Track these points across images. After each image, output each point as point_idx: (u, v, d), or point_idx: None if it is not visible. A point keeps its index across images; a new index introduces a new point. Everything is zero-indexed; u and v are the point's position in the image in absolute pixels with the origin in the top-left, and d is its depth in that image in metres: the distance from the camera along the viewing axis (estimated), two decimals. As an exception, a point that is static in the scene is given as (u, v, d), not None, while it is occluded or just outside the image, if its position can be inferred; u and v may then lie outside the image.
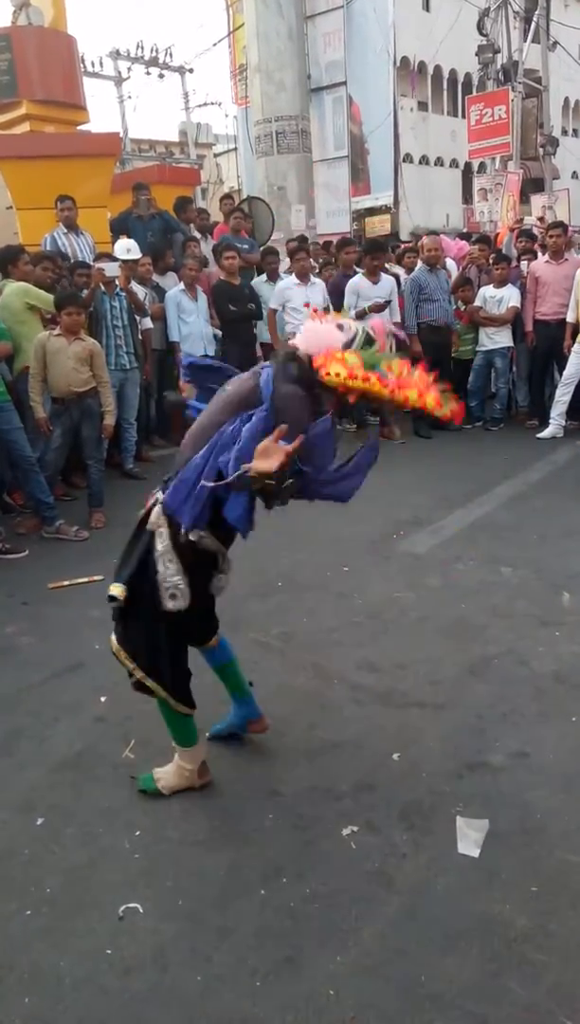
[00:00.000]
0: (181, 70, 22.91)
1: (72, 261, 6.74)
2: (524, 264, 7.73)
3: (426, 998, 1.77)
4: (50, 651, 3.54)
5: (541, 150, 17.68)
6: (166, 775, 2.50)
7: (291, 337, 6.62)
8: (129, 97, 24.48)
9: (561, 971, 1.82)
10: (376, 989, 1.80)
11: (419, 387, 2.12)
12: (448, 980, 1.81)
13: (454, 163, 23.46)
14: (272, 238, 9.90)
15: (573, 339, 6.79)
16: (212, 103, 32.56)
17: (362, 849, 2.23)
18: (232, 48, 18.75)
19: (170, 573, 2.18)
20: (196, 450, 2.13)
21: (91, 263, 6.33)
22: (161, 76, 22.55)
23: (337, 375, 2.02)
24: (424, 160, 22.67)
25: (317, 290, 7.24)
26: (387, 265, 7.61)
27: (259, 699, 2.92)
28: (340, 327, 2.14)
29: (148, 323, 6.77)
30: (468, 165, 20.99)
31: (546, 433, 7.03)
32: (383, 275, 7.07)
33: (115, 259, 6.24)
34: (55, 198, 7.21)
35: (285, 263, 7.76)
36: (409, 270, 7.91)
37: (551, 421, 7.05)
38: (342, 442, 2.35)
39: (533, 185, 16.60)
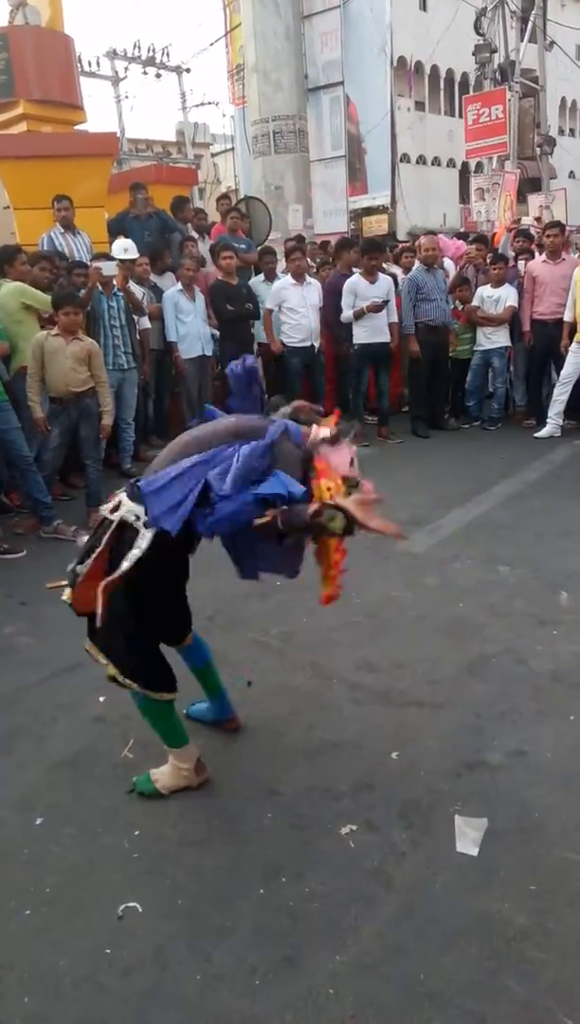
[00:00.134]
0: (178, 70, 22.95)
1: (70, 261, 6.74)
2: (521, 264, 7.74)
3: (425, 996, 1.77)
4: (48, 651, 3.54)
5: (538, 150, 17.70)
6: (163, 776, 2.50)
7: (284, 339, 6.53)
8: (126, 97, 24.58)
9: (559, 969, 1.82)
10: (375, 987, 1.80)
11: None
12: (447, 978, 1.81)
13: (451, 163, 23.48)
14: (269, 238, 9.90)
15: (570, 338, 6.81)
16: (209, 103, 32.70)
17: (361, 848, 2.23)
18: (229, 48, 18.74)
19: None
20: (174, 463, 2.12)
21: (88, 263, 6.33)
22: (158, 76, 22.60)
23: (326, 488, 2.11)
24: (421, 160, 22.68)
25: (313, 290, 7.25)
26: (384, 265, 7.62)
27: (258, 698, 2.93)
28: (351, 463, 2.25)
29: (146, 323, 6.76)
30: (465, 165, 21.03)
31: (543, 432, 7.04)
32: (381, 275, 7.07)
33: (112, 258, 6.24)
34: (52, 198, 7.21)
35: (283, 263, 7.76)
36: (406, 270, 7.92)
37: (548, 420, 7.06)
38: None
39: (530, 185, 16.61)
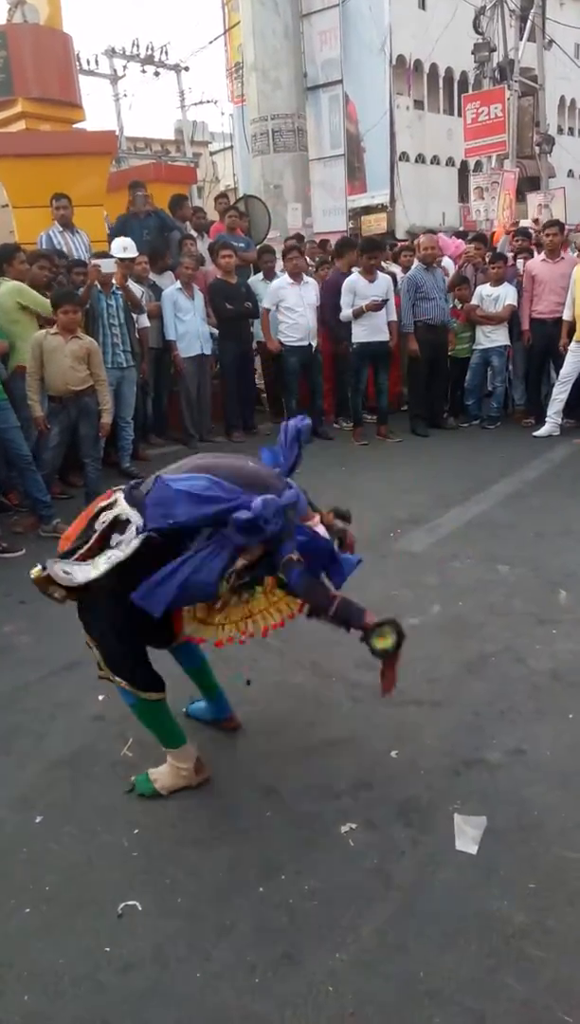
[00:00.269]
0: (177, 68, 22.94)
1: (69, 260, 6.73)
2: (520, 262, 7.74)
3: (425, 994, 1.78)
4: (47, 649, 3.54)
5: (537, 148, 17.71)
6: (162, 776, 2.50)
7: (282, 338, 6.51)
8: (125, 95, 24.52)
9: (559, 967, 1.83)
10: (375, 985, 1.81)
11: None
12: (447, 976, 1.82)
13: (450, 161, 23.47)
14: (269, 236, 9.89)
15: (569, 337, 6.81)
16: (208, 101, 32.67)
17: (360, 846, 2.23)
18: (228, 46, 18.73)
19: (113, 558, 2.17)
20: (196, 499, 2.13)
21: (88, 261, 6.33)
22: (157, 74, 22.59)
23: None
24: (420, 158, 22.68)
25: (310, 289, 7.24)
26: (383, 264, 7.62)
27: (258, 697, 2.93)
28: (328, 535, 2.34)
29: (145, 321, 6.76)
30: (464, 164, 21.03)
31: (543, 431, 7.04)
32: (380, 274, 7.07)
33: (111, 257, 6.24)
34: (50, 196, 7.20)
35: (282, 262, 7.76)
36: (405, 269, 7.92)
37: (547, 419, 7.07)
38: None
39: (529, 183, 16.61)
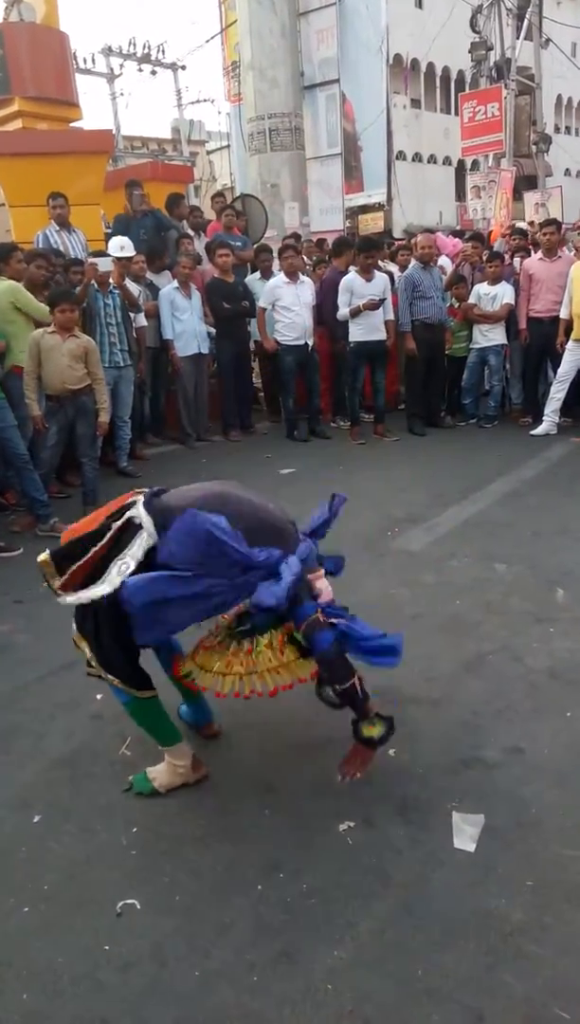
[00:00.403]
0: (173, 67, 22.93)
1: (66, 258, 6.73)
2: (517, 261, 7.75)
3: (423, 992, 1.78)
4: (45, 649, 3.53)
5: (534, 147, 17.71)
6: (160, 774, 2.50)
7: (278, 337, 6.54)
8: (121, 94, 24.54)
9: (557, 964, 1.83)
10: (373, 983, 1.81)
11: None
12: (445, 974, 1.82)
13: (447, 160, 23.50)
14: (266, 235, 9.89)
15: (567, 336, 6.82)
16: (205, 100, 32.63)
17: (359, 844, 2.24)
18: (224, 45, 18.69)
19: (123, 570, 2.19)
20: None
21: (85, 260, 6.32)
22: (153, 73, 22.58)
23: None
24: (417, 157, 22.71)
25: (306, 288, 7.25)
26: (381, 263, 7.62)
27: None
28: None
29: (142, 320, 6.76)
30: (461, 162, 21.04)
31: (540, 430, 7.06)
32: (377, 273, 7.07)
33: (108, 256, 6.24)
34: (47, 195, 7.20)
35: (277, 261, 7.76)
36: (403, 267, 7.93)
37: (545, 418, 7.08)
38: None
39: (526, 182, 16.61)
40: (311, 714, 2.89)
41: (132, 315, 6.44)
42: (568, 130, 27.87)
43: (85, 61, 20.83)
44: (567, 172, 25.46)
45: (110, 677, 2.33)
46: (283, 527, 2.31)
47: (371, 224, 16.67)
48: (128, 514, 2.28)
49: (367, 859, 2.18)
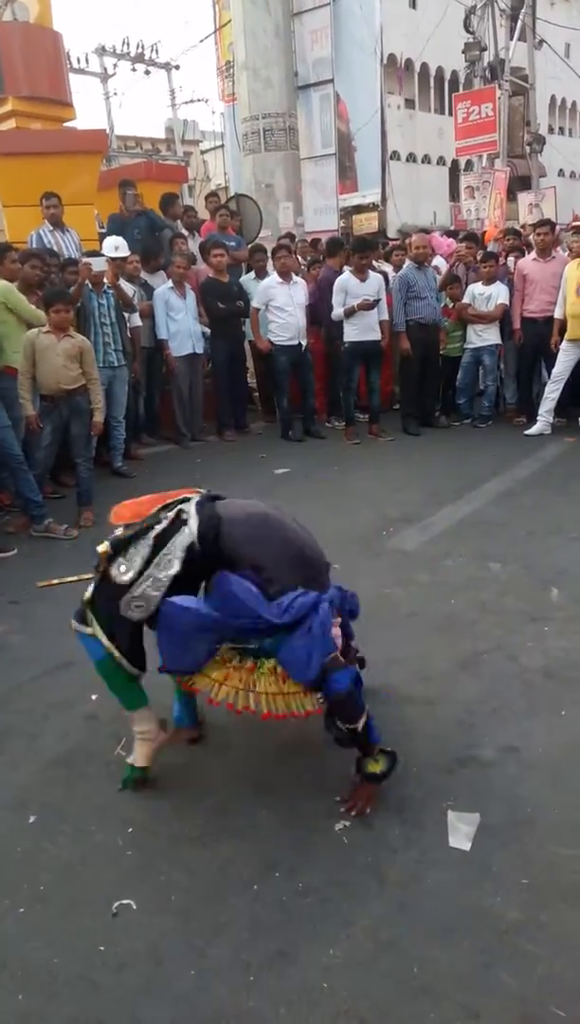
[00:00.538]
0: (167, 67, 22.87)
1: (62, 259, 6.71)
2: (511, 261, 7.76)
3: (419, 990, 1.78)
4: (40, 649, 3.53)
5: (528, 148, 17.75)
6: (134, 751, 2.53)
7: (272, 337, 6.61)
8: (115, 94, 24.45)
9: (552, 962, 1.84)
10: (369, 982, 1.81)
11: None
12: (440, 972, 1.83)
13: (441, 160, 23.52)
14: (260, 235, 9.89)
15: (561, 336, 6.83)
16: (199, 100, 32.55)
17: (354, 843, 2.24)
18: (218, 45, 18.67)
19: (157, 581, 2.25)
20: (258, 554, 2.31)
21: (80, 260, 6.31)
22: (147, 73, 22.52)
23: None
24: (411, 158, 22.73)
25: (299, 288, 7.25)
26: (375, 263, 7.63)
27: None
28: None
29: (137, 320, 6.76)
30: (455, 163, 21.07)
31: (534, 430, 7.07)
32: (371, 273, 7.08)
33: (102, 255, 6.23)
34: (41, 195, 7.18)
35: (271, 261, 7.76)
36: (397, 267, 7.93)
37: (539, 418, 7.09)
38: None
39: (520, 183, 16.66)
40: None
41: (127, 315, 6.43)
42: (562, 131, 27.93)
43: (79, 61, 20.75)
44: (561, 173, 25.53)
45: (108, 644, 2.34)
46: (318, 562, 2.43)
47: (365, 224, 16.66)
48: (180, 507, 2.38)
49: (363, 858, 2.18)
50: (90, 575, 4.14)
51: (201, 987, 1.82)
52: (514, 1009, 1.73)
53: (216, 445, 7.33)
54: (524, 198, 13.21)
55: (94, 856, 2.25)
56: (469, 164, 17.63)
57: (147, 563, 2.28)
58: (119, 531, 2.41)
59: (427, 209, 21.65)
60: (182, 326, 7.05)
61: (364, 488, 5.72)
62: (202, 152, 31.78)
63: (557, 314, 6.88)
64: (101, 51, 21.80)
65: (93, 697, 3.07)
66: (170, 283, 7.05)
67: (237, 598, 2.21)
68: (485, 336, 7.45)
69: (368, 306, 6.81)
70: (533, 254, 7.38)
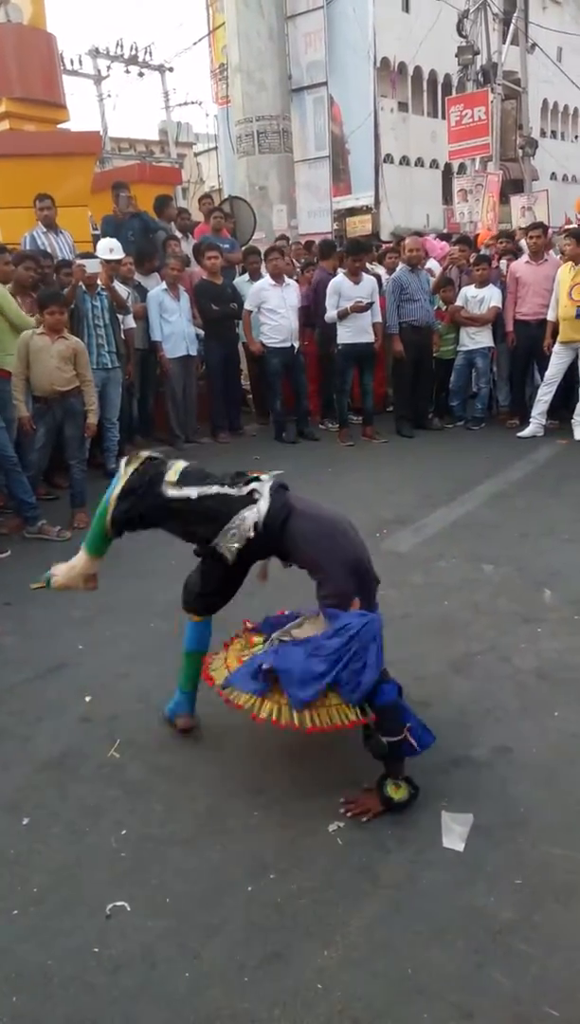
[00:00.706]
0: (161, 69, 22.90)
1: (56, 260, 6.70)
2: (504, 264, 7.79)
3: (413, 990, 1.79)
4: (33, 651, 3.53)
5: (520, 151, 17.81)
6: (60, 570, 2.67)
7: (264, 340, 6.62)
8: (109, 96, 24.41)
9: (545, 961, 1.84)
10: (363, 982, 1.81)
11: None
12: (434, 972, 1.83)
13: (434, 164, 23.59)
14: (254, 238, 9.90)
15: (553, 338, 6.85)
16: (192, 102, 32.60)
17: (348, 845, 2.24)
18: (212, 47, 18.70)
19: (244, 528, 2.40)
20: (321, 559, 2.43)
21: (74, 262, 6.30)
22: (141, 75, 22.54)
23: None
24: (404, 161, 22.79)
25: (292, 291, 7.26)
26: (368, 265, 7.64)
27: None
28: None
29: (130, 322, 6.75)
30: (448, 166, 21.12)
31: (527, 432, 7.09)
32: (365, 275, 7.09)
33: (95, 257, 6.23)
34: (34, 197, 7.17)
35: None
36: (390, 270, 7.95)
37: (532, 420, 7.11)
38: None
39: (513, 186, 16.71)
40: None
41: (120, 317, 6.42)
42: (554, 134, 28.05)
43: (72, 62, 20.77)
44: (553, 176, 25.63)
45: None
46: (370, 575, 2.54)
47: (359, 226, 16.71)
48: (253, 486, 2.47)
49: (356, 859, 2.18)
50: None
51: (195, 988, 1.82)
52: (507, 1009, 1.74)
53: (210, 447, 7.33)
54: (517, 201, 13.25)
55: (88, 858, 2.25)
56: (462, 167, 17.70)
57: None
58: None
59: (420, 212, 21.71)
60: (176, 328, 7.04)
61: (358, 490, 5.72)
62: (196, 154, 31.79)
63: (550, 316, 6.91)
64: (95, 53, 21.82)
65: (86, 699, 3.07)
66: (164, 285, 7.04)
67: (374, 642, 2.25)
68: (478, 339, 7.47)
69: (361, 308, 6.83)
70: (526, 257, 7.41)
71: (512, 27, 16.86)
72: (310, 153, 15.38)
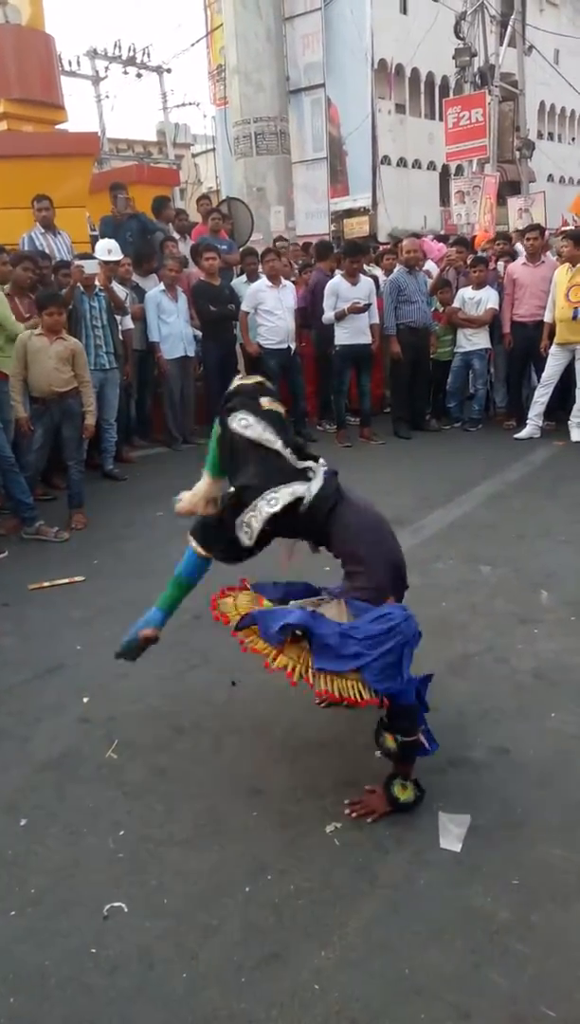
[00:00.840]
0: (159, 70, 22.93)
1: (55, 261, 6.70)
2: (501, 265, 7.80)
3: (411, 991, 1.79)
4: (31, 652, 3.52)
5: (518, 153, 17.86)
6: (184, 494, 2.77)
7: (261, 341, 6.64)
8: (107, 96, 24.49)
9: (542, 962, 1.85)
10: (361, 983, 1.82)
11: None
12: (432, 972, 1.83)
13: (431, 165, 23.66)
14: (251, 239, 9.91)
15: (550, 340, 6.87)
16: (190, 103, 32.65)
17: (346, 845, 2.24)
18: (210, 49, 18.71)
19: (261, 514, 2.35)
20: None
21: (72, 263, 6.31)
22: (139, 76, 22.58)
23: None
24: (402, 162, 22.85)
25: (288, 292, 7.27)
26: (366, 267, 7.66)
27: (242, 697, 2.93)
28: None
29: (128, 323, 6.75)
30: (445, 167, 21.17)
31: (523, 434, 7.10)
32: (362, 276, 7.10)
33: (93, 258, 6.23)
34: (32, 198, 7.18)
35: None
36: (387, 272, 7.96)
37: (528, 422, 7.13)
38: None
39: (510, 188, 16.76)
40: (297, 716, 2.90)
41: (118, 318, 6.43)
42: (551, 136, 28.15)
43: (70, 63, 20.82)
44: (550, 178, 25.70)
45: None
46: (403, 578, 2.52)
47: (356, 228, 16.72)
48: (310, 463, 2.46)
49: (354, 860, 2.19)
50: (80, 577, 4.20)
51: (193, 989, 1.82)
52: (505, 1009, 1.74)
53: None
54: (514, 203, 13.29)
55: (85, 859, 2.25)
56: (459, 169, 17.71)
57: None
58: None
59: (417, 213, 21.76)
60: (174, 329, 7.05)
61: (355, 491, 5.72)
62: (193, 155, 31.84)
63: (546, 318, 6.92)
64: (93, 54, 21.85)
65: (85, 700, 3.07)
66: (162, 286, 7.05)
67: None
68: (475, 340, 7.49)
69: (359, 309, 6.84)
70: (522, 259, 7.42)
71: (509, 29, 16.91)
72: (308, 154, 15.39)
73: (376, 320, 7.14)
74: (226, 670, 3.19)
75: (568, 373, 6.84)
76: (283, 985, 1.82)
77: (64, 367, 5.09)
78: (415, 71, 22.91)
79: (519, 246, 8.07)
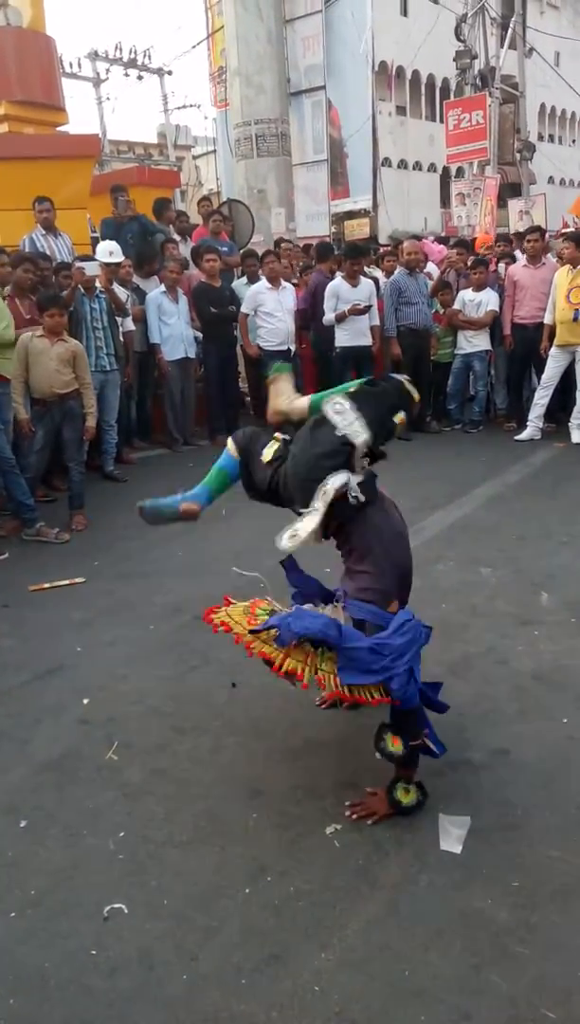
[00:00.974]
0: (160, 72, 22.97)
1: (56, 263, 6.71)
2: (501, 267, 7.81)
3: (410, 993, 1.79)
4: (31, 653, 3.52)
5: (518, 155, 17.88)
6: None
7: (261, 343, 6.63)
8: (108, 98, 24.53)
9: (542, 963, 1.85)
10: (361, 984, 1.82)
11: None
12: (432, 974, 1.83)
13: (432, 167, 23.67)
14: (252, 240, 9.92)
15: (550, 342, 6.87)
16: (191, 105, 32.72)
17: (346, 847, 2.24)
18: (211, 51, 18.75)
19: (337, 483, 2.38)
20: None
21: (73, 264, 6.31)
22: (140, 78, 22.62)
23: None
24: (402, 164, 22.87)
25: (288, 294, 7.28)
26: (367, 268, 7.66)
27: (243, 698, 2.93)
28: None
29: (129, 325, 6.75)
30: (446, 169, 21.19)
31: (524, 435, 7.11)
32: (363, 278, 7.11)
33: (94, 260, 6.23)
34: (33, 199, 7.18)
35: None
36: (388, 273, 7.97)
37: (529, 424, 7.13)
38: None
39: (510, 190, 16.78)
40: (297, 717, 2.90)
41: (119, 319, 6.43)
42: (551, 138, 28.16)
43: (71, 65, 20.87)
44: (551, 180, 25.72)
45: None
46: (409, 589, 2.54)
47: (357, 230, 16.76)
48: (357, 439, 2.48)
49: (354, 861, 2.18)
50: (81, 579, 4.19)
51: (193, 991, 1.82)
52: (505, 1011, 1.74)
53: (208, 449, 7.33)
54: (514, 205, 13.29)
55: (85, 860, 2.25)
56: (460, 171, 17.74)
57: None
58: None
59: (418, 215, 21.78)
60: (174, 330, 7.05)
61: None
62: (194, 157, 31.87)
63: (547, 320, 6.92)
64: (94, 56, 21.90)
65: (85, 701, 3.07)
66: (163, 288, 7.05)
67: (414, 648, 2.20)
68: (475, 342, 7.49)
69: (359, 311, 6.85)
70: (523, 260, 7.43)
71: (510, 31, 16.94)
72: (308, 156, 15.43)
73: (376, 322, 7.15)
74: (226, 671, 3.19)
75: (568, 375, 6.84)
76: (283, 986, 1.82)
77: (65, 369, 5.09)
78: (416, 73, 22.93)
79: (518, 253, 8.09)
